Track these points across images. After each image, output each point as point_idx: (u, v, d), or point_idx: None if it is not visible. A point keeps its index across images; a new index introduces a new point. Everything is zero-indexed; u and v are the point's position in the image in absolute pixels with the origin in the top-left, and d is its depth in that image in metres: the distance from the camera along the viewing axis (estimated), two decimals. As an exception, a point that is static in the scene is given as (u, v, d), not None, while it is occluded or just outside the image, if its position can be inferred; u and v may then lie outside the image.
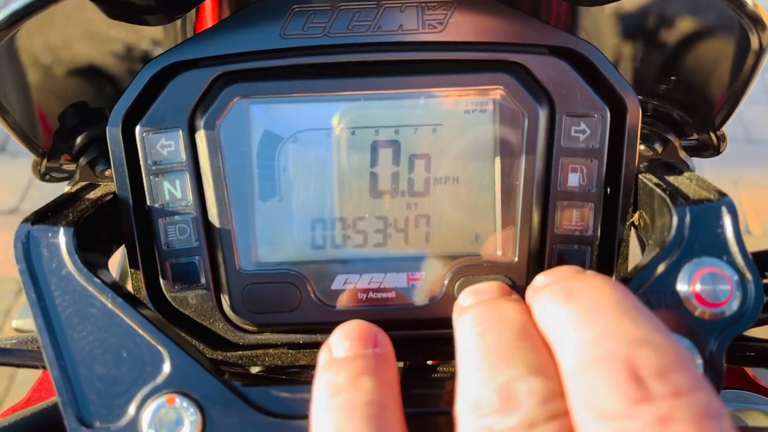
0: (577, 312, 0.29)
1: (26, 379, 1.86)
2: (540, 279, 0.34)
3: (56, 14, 0.45)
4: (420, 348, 0.48)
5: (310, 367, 0.49)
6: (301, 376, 0.49)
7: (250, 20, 0.44)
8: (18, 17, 0.39)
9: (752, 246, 0.39)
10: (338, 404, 0.31)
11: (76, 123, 0.53)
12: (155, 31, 0.56)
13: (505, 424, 0.27)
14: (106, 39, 0.51)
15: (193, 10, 0.58)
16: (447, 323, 0.38)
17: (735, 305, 0.36)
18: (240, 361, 0.48)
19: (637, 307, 0.29)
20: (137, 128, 0.45)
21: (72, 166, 0.55)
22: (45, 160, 0.53)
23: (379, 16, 0.44)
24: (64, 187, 0.55)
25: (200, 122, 0.44)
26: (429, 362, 0.59)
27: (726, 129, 0.52)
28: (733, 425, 0.26)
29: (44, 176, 0.54)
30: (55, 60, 0.49)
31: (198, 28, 0.60)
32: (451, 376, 0.39)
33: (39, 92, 0.50)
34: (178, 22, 0.58)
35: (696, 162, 0.55)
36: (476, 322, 0.33)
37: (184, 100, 0.44)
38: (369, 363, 0.33)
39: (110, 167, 0.54)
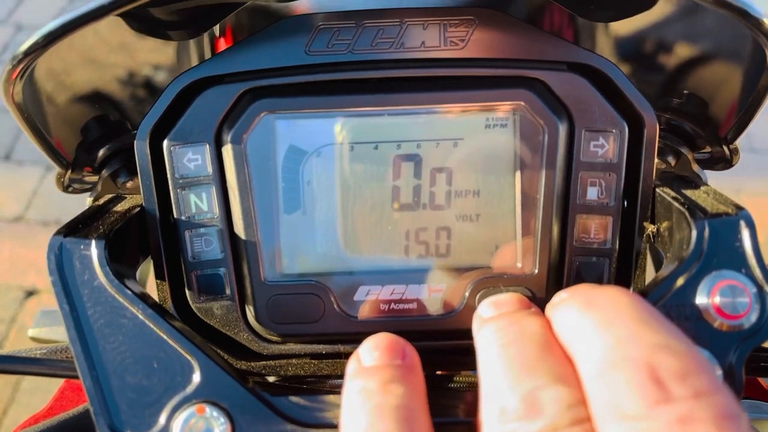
0: (597, 319, 0.30)
1: (31, 387, 1.86)
2: (560, 295, 0.35)
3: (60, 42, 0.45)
4: (441, 359, 0.49)
5: (332, 377, 0.50)
6: (323, 386, 0.50)
7: (276, 37, 0.45)
8: (54, 37, 0.39)
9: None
10: (370, 407, 0.31)
11: (98, 135, 0.54)
12: (156, 56, 0.57)
13: (529, 429, 0.28)
14: (106, 65, 0.52)
15: (211, 32, 0.59)
16: (467, 334, 0.38)
17: (754, 317, 0.37)
18: (264, 371, 0.48)
19: (655, 316, 0.30)
20: (165, 142, 0.45)
21: (94, 178, 0.56)
22: (69, 172, 0.53)
23: (402, 33, 0.45)
24: (72, 197, 0.56)
25: (227, 137, 0.45)
26: (444, 372, 0.59)
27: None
28: (750, 426, 0.27)
29: (67, 188, 0.55)
30: (59, 87, 0.50)
31: (217, 47, 0.61)
32: (472, 387, 0.40)
33: (52, 119, 0.50)
34: (192, 43, 0.59)
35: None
36: (498, 336, 0.33)
37: (211, 115, 0.45)
38: (398, 372, 0.34)
39: (132, 179, 0.55)
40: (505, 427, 0.29)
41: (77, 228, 0.42)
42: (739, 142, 0.53)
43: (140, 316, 0.38)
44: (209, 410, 0.37)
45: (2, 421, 1.78)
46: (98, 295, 0.39)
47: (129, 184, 0.56)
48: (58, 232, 0.40)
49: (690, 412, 0.25)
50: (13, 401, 1.84)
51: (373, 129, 0.45)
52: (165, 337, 0.38)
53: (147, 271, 0.87)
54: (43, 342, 0.83)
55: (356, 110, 0.45)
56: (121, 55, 0.52)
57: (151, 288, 0.50)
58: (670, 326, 0.30)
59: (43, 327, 0.83)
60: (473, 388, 0.34)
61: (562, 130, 0.45)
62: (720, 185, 0.47)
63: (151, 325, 0.38)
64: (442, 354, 0.49)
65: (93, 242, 0.40)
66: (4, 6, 3.11)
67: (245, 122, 0.45)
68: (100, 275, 0.39)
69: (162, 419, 0.37)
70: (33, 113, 0.46)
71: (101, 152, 0.54)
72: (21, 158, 2.52)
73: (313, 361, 0.49)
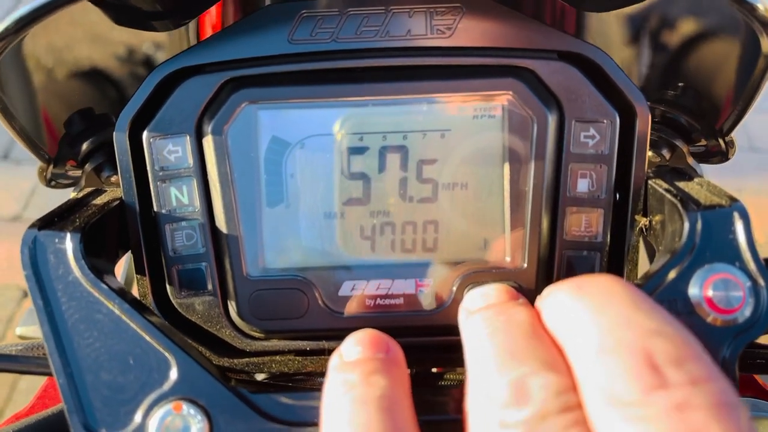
0: (588, 304, 0.29)
1: (28, 387, 1.86)
2: (549, 289, 0.34)
3: (60, 17, 0.45)
4: (428, 355, 0.48)
5: (316, 374, 0.49)
6: (306, 383, 0.49)
7: (257, 25, 0.44)
8: (25, 22, 0.38)
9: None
10: (351, 398, 0.31)
11: (81, 129, 0.53)
12: (158, 34, 0.56)
13: (517, 416, 0.27)
14: (109, 42, 0.51)
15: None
16: (455, 330, 0.37)
17: (748, 312, 0.35)
18: (246, 368, 0.47)
19: (648, 301, 0.29)
20: (144, 134, 0.44)
21: (77, 172, 0.55)
22: (51, 166, 0.53)
23: (388, 21, 0.44)
24: (70, 194, 0.55)
25: (208, 128, 0.44)
26: (435, 370, 0.58)
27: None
28: (748, 413, 0.26)
29: (50, 182, 0.54)
30: (59, 62, 0.49)
31: (202, 33, 0.60)
32: (460, 385, 0.39)
33: (44, 96, 0.50)
34: (182, 26, 0.58)
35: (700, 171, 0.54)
36: (485, 325, 0.33)
37: (192, 106, 0.44)
38: (381, 364, 0.33)
39: (116, 173, 0.54)
40: (493, 415, 0.28)
41: (53, 221, 0.41)
42: (738, 140, 0.52)
43: (116, 312, 0.37)
44: (186, 408, 0.36)
45: (-2, 421, 1.77)
46: (73, 290, 0.38)
47: (113, 179, 0.55)
48: (32, 225, 0.39)
49: (686, 399, 0.25)
50: (10, 400, 1.84)
51: (357, 119, 0.44)
52: (141, 332, 0.37)
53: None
54: (31, 340, 0.82)
55: (341, 100, 0.44)
56: (119, 30, 0.51)
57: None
58: (664, 312, 0.29)
59: (31, 325, 0.82)
60: (462, 385, 0.33)
61: (552, 120, 0.44)
62: (721, 184, 0.46)
63: (127, 321, 0.37)
64: (430, 350, 0.48)
65: (68, 235, 0.39)
66: (3, 5, 3.11)
67: (226, 113, 0.43)
68: (75, 269, 0.38)
69: (138, 417, 0.36)
70: (13, 100, 0.45)
71: (84, 146, 0.53)
72: (19, 157, 2.52)
73: (297, 357, 0.48)
